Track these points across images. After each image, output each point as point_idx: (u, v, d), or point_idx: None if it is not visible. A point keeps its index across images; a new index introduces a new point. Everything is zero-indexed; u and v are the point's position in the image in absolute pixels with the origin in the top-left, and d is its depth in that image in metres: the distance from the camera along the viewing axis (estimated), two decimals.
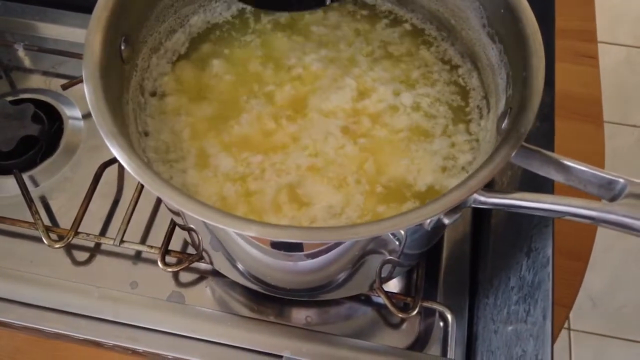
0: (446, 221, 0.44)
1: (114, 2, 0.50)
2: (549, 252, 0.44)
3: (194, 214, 0.40)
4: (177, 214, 0.55)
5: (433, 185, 0.54)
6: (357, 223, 0.50)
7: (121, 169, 0.74)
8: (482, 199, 0.43)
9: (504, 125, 0.49)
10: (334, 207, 0.53)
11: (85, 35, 0.48)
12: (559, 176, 0.44)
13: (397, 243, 0.50)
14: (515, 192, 0.43)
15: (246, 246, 0.50)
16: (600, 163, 0.80)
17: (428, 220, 0.42)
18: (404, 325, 0.66)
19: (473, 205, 0.43)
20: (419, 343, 0.64)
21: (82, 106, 0.79)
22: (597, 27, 0.92)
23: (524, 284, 0.48)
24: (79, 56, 0.82)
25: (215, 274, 0.67)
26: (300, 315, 0.66)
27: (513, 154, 0.42)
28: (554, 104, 0.51)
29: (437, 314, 0.65)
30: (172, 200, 0.41)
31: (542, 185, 0.51)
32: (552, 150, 0.48)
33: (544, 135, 0.48)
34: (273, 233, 0.41)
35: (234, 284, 0.66)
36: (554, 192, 0.47)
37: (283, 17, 0.66)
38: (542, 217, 0.48)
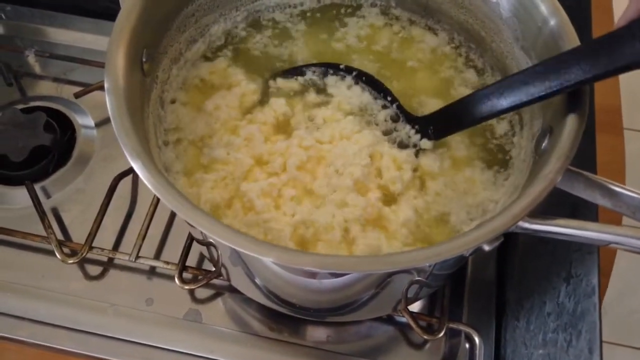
0: (487, 248, 0.42)
1: (137, 12, 0.48)
2: (594, 281, 0.42)
3: (227, 242, 0.38)
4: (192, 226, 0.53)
5: None
6: (397, 252, 0.48)
7: (135, 180, 0.72)
8: (526, 225, 0.40)
9: (544, 145, 0.46)
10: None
11: (106, 45, 0.46)
12: (604, 201, 0.42)
13: (427, 264, 0.48)
14: (559, 218, 0.41)
15: (269, 263, 0.48)
16: (620, 172, 0.78)
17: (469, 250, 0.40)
18: (428, 346, 0.63)
19: (514, 231, 0.41)
20: None
21: (95, 114, 0.77)
22: None
23: (563, 312, 0.46)
24: (90, 63, 0.80)
25: (232, 289, 0.65)
26: (319, 334, 0.64)
27: (559, 179, 0.40)
28: (594, 118, 0.49)
29: (462, 335, 0.63)
30: (201, 226, 0.39)
31: (579, 206, 0.49)
32: (594, 169, 0.46)
33: (582, 152, 0.46)
34: (319, 263, 0.38)
35: (249, 300, 0.64)
36: (597, 216, 0.45)
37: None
38: (583, 243, 0.46)
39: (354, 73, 0.59)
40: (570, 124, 0.43)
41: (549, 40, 0.49)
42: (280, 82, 0.60)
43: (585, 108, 0.43)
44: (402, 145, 0.56)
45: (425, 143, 0.56)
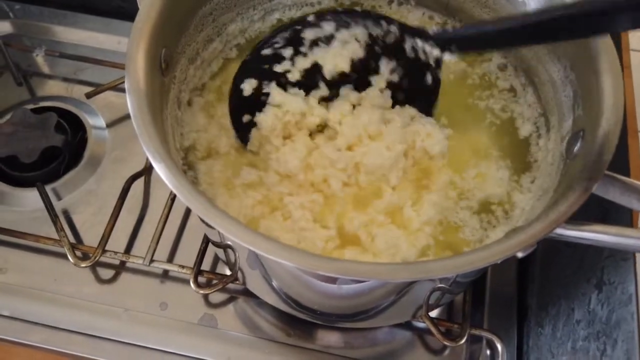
0: (520, 255, 0.40)
1: (156, 11, 0.47)
2: (632, 288, 0.40)
3: (260, 251, 0.37)
4: (213, 228, 0.52)
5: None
6: (430, 260, 0.47)
7: (148, 182, 0.71)
8: (561, 231, 0.39)
9: (576, 149, 0.45)
10: None
11: (126, 46, 0.45)
12: None
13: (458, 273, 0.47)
14: (595, 224, 0.39)
15: (290, 267, 0.46)
16: (636, 175, 0.77)
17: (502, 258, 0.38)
18: (447, 352, 0.62)
19: (550, 238, 0.40)
20: None
21: (106, 115, 0.76)
22: None
23: (595, 320, 0.45)
24: (101, 62, 0.79)
25: (247, 293, 0.64)
26: (336, 339, 0.63)
27: (596, 184, 0.39)
28: (625, 122, 0.47)
29: (484, 341, 0.61)
30: (229, 231, 0.37)
31: (610, 211, 0.48)
32: (628, 174, 0.45)
33: (614, 156, 0.44)
34: (351, 270, 0.37)
35: (265, 305, 0.63)
36: (632, 222, 0.44)
37: None
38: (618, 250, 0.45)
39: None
40: (605, 126, 0.41)
41: (580, 40, 0.47)
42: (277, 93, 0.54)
43: (620, 109, 0.42)
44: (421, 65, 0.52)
45: (449, 56, 0.51)
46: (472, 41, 0.49)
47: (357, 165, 0.51)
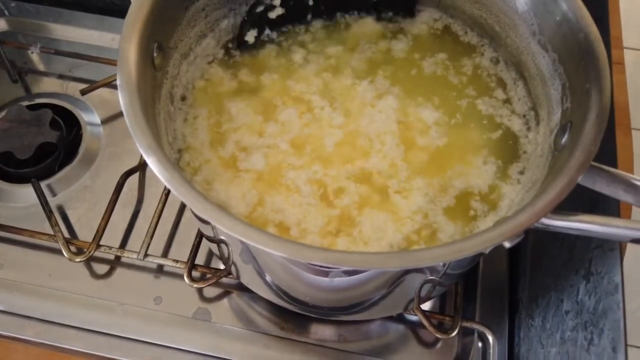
0: (507, 245, 0.41)
1: (149, 6, 0.47)
2: (617, 278, 0.41)
3: (253, 242, 0.37)
4: (207, 223, 0.52)
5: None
6: (419, 248, 0.48)
7: (142, 178, 0.71)
8: (547, 221, 0.40)
9: (563, 140, 0.46)
10: None
11: (111, 42, 0.46)
12: (627, 197, 0.41)
13: (441, 264, 0.48)
14: (582, 214, 0.40)
15: (280, 260, 0.47)
16: (629, 171, 0.77)
17: (490, 247, 0.39)
18: (439, 345, 0.63)
19: (536, 227, 0.40)
20: None
21: (101, 112, 0.76)
22: None
23: (583, 310, 0.45)
24: (95, 59, 0.79)
25: (241, 288, 0.64)
26: (330, 332, 0.63)
27: (582, 174, 0.39)
28: (613, 114, 0.48)
29: (475, 334, 0.62)
30: (220, 223, 0.38)
31: (599, 202, 0.48)
32: (615, 166, 0.45)
33: (602, 147, 0.45)
34: (341, 259, 0.38)
35: (258, 299, 0.63)
36: (620, 213, 0.44)
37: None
38: (604, 239, 0.45)
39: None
40: (592, 117, 0.42)
41: (568, 34, 0.48)
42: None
43: (607, 101, 0.42)
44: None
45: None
46: None
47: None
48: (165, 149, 0.48)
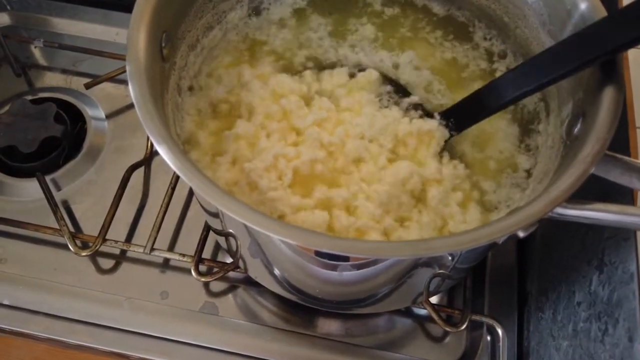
0: (521, 234, 0.40)
1: None
2: (633, 267, 0.41)
3: (265, 230, 0.37)
4: (215, 216, 0.52)
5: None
6: (431, 238, 0.47)
7: (148, 172, 0.71)
8: (562, 210, 0.39)
9: (576, 130, 0.45)
10: None
11: (126, 32, 0.45)
12: None
13: (449, 258, 0.47)
14: (597, 203, 0.40)
15: (289, 252, 0.47)
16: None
17: (504, 237, 0.38)
18: (448, 339, 0.62)
19: (550, 217, 0.40)
20: (466, 358, 0.61)
21: (105, 106, 0.76)
22: None
23: (597, 301, 0.45)
24: (99, 53, 0.79)
25: (247, 282, 0.64)
26: (337, 326, 0.63)
27: (597, 162, 0.39)
28: (626, 105, 0.47)
29: (484, 327, 0.61)
30: (234, 212, 0.37)
31: (612, 192, 0.48)
32: (628, 153, 0.45)
33: (614, 139, 0.44)
34: (354, 248, 0.37)
35: (265, 292, 0.63)
36: (634, 203, 0.44)
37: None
38: (618, 229, 0.45)
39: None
40: (606, 105, 0.41)
41: (579, 24, 0.48)
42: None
43: (621, 90, 0.42)
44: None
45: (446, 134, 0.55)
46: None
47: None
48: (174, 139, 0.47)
